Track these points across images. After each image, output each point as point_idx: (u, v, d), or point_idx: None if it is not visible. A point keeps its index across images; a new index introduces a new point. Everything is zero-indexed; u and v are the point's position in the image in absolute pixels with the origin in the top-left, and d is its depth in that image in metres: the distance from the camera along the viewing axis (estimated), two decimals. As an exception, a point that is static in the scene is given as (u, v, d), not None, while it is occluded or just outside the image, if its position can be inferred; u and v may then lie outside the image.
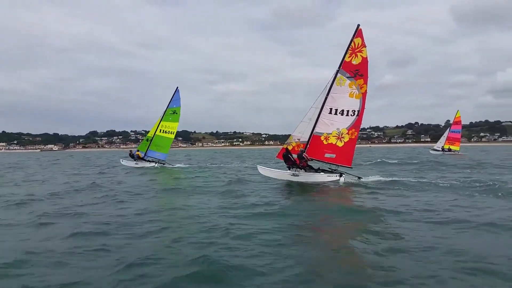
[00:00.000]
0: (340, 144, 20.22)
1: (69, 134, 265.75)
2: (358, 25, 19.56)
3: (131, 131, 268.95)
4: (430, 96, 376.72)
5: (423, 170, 27.69)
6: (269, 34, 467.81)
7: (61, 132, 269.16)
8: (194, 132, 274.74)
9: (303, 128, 20.76)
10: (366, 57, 19.45)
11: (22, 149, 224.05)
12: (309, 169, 20.41)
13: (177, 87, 34.99)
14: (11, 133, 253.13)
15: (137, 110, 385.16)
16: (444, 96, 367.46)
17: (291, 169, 20.68)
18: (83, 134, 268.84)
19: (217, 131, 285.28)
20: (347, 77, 19.78)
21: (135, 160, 35.46)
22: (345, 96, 19.92)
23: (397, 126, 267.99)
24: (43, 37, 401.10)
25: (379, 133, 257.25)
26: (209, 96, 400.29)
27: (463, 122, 64.30)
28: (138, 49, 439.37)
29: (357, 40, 19.50)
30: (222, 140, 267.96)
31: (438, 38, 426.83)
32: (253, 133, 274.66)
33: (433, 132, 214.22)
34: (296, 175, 20.23)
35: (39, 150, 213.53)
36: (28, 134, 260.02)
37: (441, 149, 62.68)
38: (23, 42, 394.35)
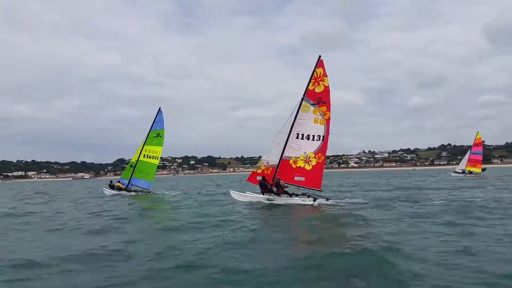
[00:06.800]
0: (308, 167, 21.28)
1: (95, 162, 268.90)
2: (320, 56, 21.05)
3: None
4: (458, 117, 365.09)
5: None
6: (292, 59, 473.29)
7: (87, 160, 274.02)
8: (219, 157, 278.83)
9: (272, 152, 21.99)
10: (328, 86, 20.78)
11: (53, 178, 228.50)
12: (284, 194, 21.43)
13: (160, 108, 32.28)
14: (40, 161, 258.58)
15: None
16: (473, 117, 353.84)
17: (265, 194, 21.67)
18: (110, 161, 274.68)
19: (241, 156, 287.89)
20: (311, 104, 21.10)
21: (117, 191, 33.00)
22: (310, 122, 21.19)
23: (429, 148, 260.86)
24: (70, 67, 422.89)
25: (412, 155, 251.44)
26: (231, 122, 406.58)
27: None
28: (163, 78, 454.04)
29: (319, 70, 20.90)
30: (248, 165, 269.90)
31: (466, 58, 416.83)
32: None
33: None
34: (270, 200, 21.25)
35: (70, 178, 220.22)
36: (56, 163, 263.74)
37: (461, 172, 63.04)
38: (50, 72, 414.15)
